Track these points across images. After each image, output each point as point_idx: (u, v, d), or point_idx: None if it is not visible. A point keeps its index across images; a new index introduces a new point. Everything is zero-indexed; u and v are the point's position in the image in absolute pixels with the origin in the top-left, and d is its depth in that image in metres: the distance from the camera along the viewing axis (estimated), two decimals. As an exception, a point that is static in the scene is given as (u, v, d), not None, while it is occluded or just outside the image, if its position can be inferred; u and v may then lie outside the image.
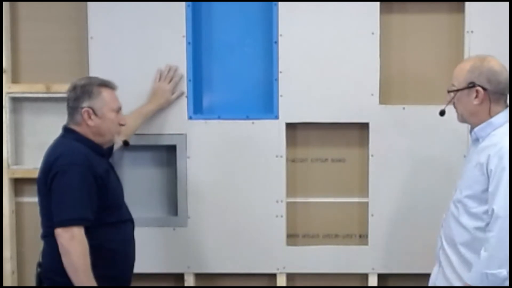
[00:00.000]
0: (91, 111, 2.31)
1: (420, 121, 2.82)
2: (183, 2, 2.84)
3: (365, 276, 2.91)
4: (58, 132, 2.98)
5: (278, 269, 2.91)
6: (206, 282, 2.98)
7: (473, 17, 2.80)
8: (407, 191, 2.85)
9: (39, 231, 3.04)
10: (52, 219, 2.22)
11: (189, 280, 2.93)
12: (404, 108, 2.84)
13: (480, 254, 2.08)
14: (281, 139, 2.86)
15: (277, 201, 2.87)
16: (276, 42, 2.84)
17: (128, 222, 2.42)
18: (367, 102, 2.81)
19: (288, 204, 2.90)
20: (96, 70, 2.86)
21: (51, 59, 2.97)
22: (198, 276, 2.95)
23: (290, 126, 2.88)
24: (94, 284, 2.19)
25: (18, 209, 3.05)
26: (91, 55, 2.87)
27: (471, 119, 2.26)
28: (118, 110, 2.38)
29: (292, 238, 2.94)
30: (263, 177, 2.87)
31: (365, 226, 2.90)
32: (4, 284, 2.98)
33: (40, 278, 2.36)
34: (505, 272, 2.03)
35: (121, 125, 2.40)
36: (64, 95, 2.90)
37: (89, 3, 2.86)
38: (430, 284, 2.39)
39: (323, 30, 2.82)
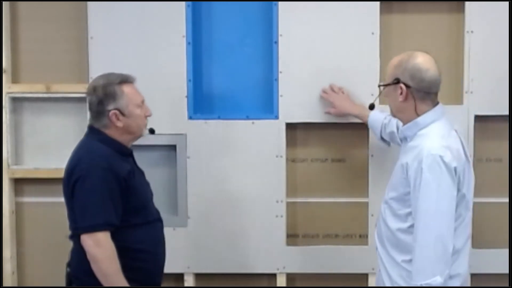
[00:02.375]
0: (118, 113, 2.23)
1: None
2: (183, 2, 2.84)
3: (365, 276, 2.91)
4: (58, 132, 3.02)
5: (278, 269, 2.91)
6: (206, 282, 2.98)
7: (473, 17, 2.80)
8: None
9: (39, 231, 3.06)
10: (75, 222, 2.19)
11: (189, 280, 2.93)
12: (404, 108, 2.84)
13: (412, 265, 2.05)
14: (281, 139, 2.86)
15: (277, 201, 2.87)
16: (276, 42, 2.84)
17: (156, 222, 2.37)
18: (367, 102, 2.80)
19: (288, 204, 2.90)
20: (96, 70, 2.86)
21: (51, 59, 2.97)
22: (198, 276, 2.95)
23: (290, 126, 2.88)
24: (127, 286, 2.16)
25: (18, 209, 3.05)
26: (91, 55, 2.87)
27: (399, 116, 2.21)
28: (142, 103, 2.32)
29: (292, 238, 2.94)
30: (263, 177, 2.87)
31: (365, 226, 2.90)
32: (4, 284, 2.99)
33: (69, 278, 2.33)
34: (439, 278, 1.97)
35: (147, 116, 2.34)
36: (64, 95, 2.95)
37: (89, 3, 2.86)
38: (375, 285, 2.37)
39: (323, 30, 2.82)
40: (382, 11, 2.81)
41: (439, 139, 2.06)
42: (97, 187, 2.14)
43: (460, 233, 2.11)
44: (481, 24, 2.80)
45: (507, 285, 2.82)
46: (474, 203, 2.86)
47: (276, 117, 2.86)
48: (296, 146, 2.93)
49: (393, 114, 2.26)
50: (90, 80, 2.86)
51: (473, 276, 2.88)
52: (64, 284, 3.06)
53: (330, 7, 2.81)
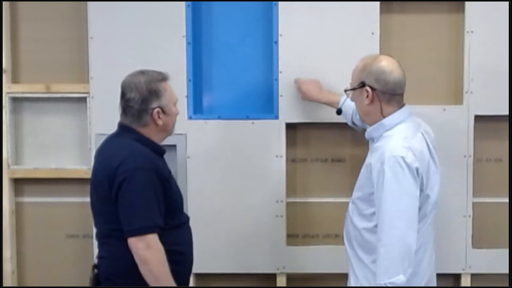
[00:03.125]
0: (160, 111, 2.21)
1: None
2: (183, 2, 2.84)
3: (365, 276, 2.91)
4: (58, 132, 3.02)
5: (278, 269, 2.91)
6: (206, 282, 2.98)
7: (473, 17, 2.80)
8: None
9: (39, 231, 3.06)
10: (112, 222, 2.15)
11: (190, 280, 2.92)
12: (404, 108, 2.84)
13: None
14: (281, 139, 2.86)
15: (277, 201, 2.87)
16: (276, 42, 2.84)
17: (187, 224, 2.36)
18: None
19: (288, 204, 2.90)
20: (96, 70, 2.87)
21: (51, 59, 2.97)
22: (198, 276, 2.94)
23: (290, 126, 2.88)
24: None
25: (18, 209, 3.05)
26: (91, 55, 2.87)
27: (366, 119, 2.23)
28: (177, 101, 2.31)
29: (292, 238, 2.94)
30: (263, 177, 2.87)
31: (365, 226, 2.90)
32: (4, 284, 2.99)
33: (97, 280, 2.27)
34: (402, 277, 1.98)
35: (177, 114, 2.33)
36: (64, 95, 2.95)
37: (89, 3, 2.86)
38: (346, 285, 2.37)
39: (323, 30, 2.82)
40: (382, 11, 2.81)
41: (401, 141, 2.08)
42: (144, 189, 2.10)
43: (424, 234, 2.13)
44: (481, 24, 2.80)
45: (507, 285, 2.82)
46: (474, 203, 2.88)
47: (276, 117, 2.86)
48: (296, 146, 2.94)
49: (361, 118, 2.28)
50: (90, 80, 2.88)
51: (473, 276, 2.88)
52: (64, 284, 3.08)
53: (330, 7, 2.81)
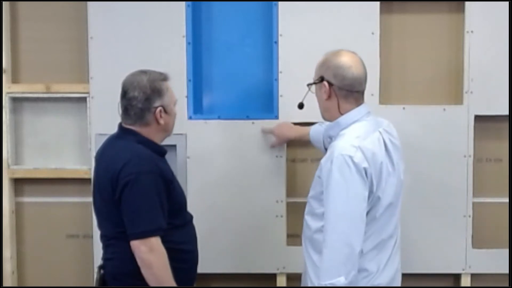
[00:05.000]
0: (162, 110, 2.22)
1: (420, 121, 2.82)
2: (183, 2, 2.84)
3: (365, 276, 2.91)
4: (58, 132, 3.02)
5: (278, 269, 2.91)
6: (206, 282, 2.98)
7: (473, 17, 2.80)
8: (407, 191, 2.84)
9: (39, 231, 3.06)
10: (117, 225, 2.16)
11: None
12: (404, 108, 2.84)
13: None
14: (281, 139, 2.86)
15: (277, 201, 2.87)
16: (276, 42, 2.84)
17: (191, 222, 2.37)
18: (367, 102, 2.79)
19: (288, 204, 2.90)
20: (96, 70, 2.87)
21: (51, 59, 2.97)
22: (198, 276, 2.93)
23: (290, 126, 2.88)
24: None
25: (18, 209, 3.05)
26: (91, 55, 2.87)
27: (325, 116, 2.20)
28: (176, 102, 2.33)
29: (292, 238, 2.94)
30: (263, 177, 2.87)
31: (365, 226, 2.89)
32: (4, 284, 2.99)
33: (103, 280, 2.27)
34: (343, 279, 1.96)
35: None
36: (64, 95, 2.95)
37: (89, 3, 2.86)
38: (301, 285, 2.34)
39: (323, 30, 2.82)
40: (382, 11, 2.81)
41: (352, 140, 2.04)
42: (148, 192, 2.11)
43: (371, 236, 2.08)
44: (481, 24, 2.80)
45: (507, 285, 2.82)
46: (474, 203, 2.88)
47: (276, 117, 2.86)
48: (296, 146, 2.93)
49: (322, 115, 2.24)
50: (90, 80, 2.88)
51: (473, 276, 2.88)
52: (64, 284, 3.07)
53: (330, 7, 2.82)
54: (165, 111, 2.24)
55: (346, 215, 1.98)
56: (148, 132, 2.24)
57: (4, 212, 2.99)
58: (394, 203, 2.13)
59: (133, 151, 2.17)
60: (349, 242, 1.97)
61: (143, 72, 2.26)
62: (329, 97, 2.12)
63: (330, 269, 1.98)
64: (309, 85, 2.21)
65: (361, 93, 2.15)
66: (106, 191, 2.17)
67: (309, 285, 2.15)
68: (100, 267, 2.30)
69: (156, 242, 2.11)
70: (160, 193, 2.15)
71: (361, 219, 2.00)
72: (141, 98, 2.20)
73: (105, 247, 2.28)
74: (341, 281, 1.96)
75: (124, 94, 2.24)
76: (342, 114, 2.12)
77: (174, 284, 2.15)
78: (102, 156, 2.27)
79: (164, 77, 2.26)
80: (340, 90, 2.11)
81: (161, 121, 2.23)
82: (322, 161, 2.08)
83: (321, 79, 2.13)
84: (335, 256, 1.98)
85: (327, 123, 2.26)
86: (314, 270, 2.11)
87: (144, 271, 2.11)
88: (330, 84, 2.11)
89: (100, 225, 2.29)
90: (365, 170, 2.00)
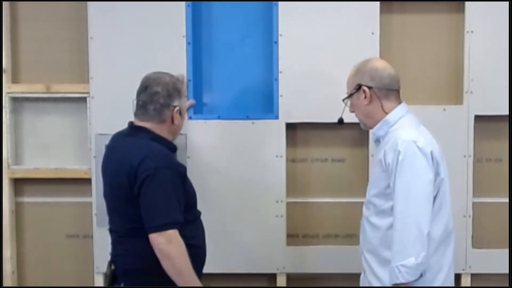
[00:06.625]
0: (179, 110, 2.28)
1: (420, 121, 2.82)
2: (183, 2, 2.84)
3: (365, 276, 2.91)
4: (58, 132, 3.02)
5: (278, 269, 2.91)
6: (206, 282, 2.95)
7: (473, 17, 2.80)
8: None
9: (39, 231, 3.06)
10: (132, 222, 2.18)
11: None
12: (404, 108, 2.84)
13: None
14: (281, 139, 2.86)
15: (277, 201, 2.87)
16: (276, 42, 2.84)
17: (200, 218, 2.40)
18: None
19: (288, 204, 2.90)
20: (96, 70, 2.87)
21: (51, 59, 2.97)
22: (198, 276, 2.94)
23: (290, 126, 2.88)
24: (199, 284, 2.19)
25: (18, 209, 3.05)
26: (91, 55, 2.87)
27: (369, 122, 2.24)
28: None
29: (292, 238, 2.94)
30: (263, 177, 2.87)
31: (365, 226, 2.89)
32: (4, 284, 2.99)
33: (114, 276, 2.30)
34: (413, 259, 2.01)
35: None
36: (64, 95, 2.95)
37: (89, 3, 2.86)
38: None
39: (323, 30, 2.83)
40: (382, 11, 2.81)
41: (410, 129, 2.14)
42: (165, 186, 2.15)
43: (439, 220, 2.13)
44: (481, 24, 2.80)
45: (507, 285, 2.82)
46: (474, 203, 2.88)
47: (276, 117, 2.86)
48: (296, 146, 2.93)
49: (364, 125, 2.28)
50: (90, 80, 2.88)
51: (473, 276, 2.88)
52: (64, 284, 3.08)
53: (330, 7, 2.81)
54: (180, 113, 2.29)
55: (413, 198, 2.04)
56: (161, 130, 2.27)
57: (4, 212, 2.99)
58: (448, 195, 2.19)
59: (149, 147, 2.20)
60: (418, 224, 2.03)
61: (164, 72, 2.32)
62: (370, 101, 2.19)
63: (400, 251, 2.04)
64: (345, 99, 2.26)
65: (399, 91, 2.23)
66: (122, 187, 2.18)
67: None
68: (110, 263, 2.31)
69: (174, 234, 2.13)
70: (177, 188, 2.18)
71: (428, 202, 2.07)
72: (164, 94, 2.24)
73: (116, 243, 2.30)
74: (411, 261, 2.02)
75: (145, 89, 2.27)
76: (386, 113, 2.18)
77: (194, 274, 2.17)
78: (113, 154, 2.29)
79: (182, 81, 2.34)
80: (380, 91, 2.18)
81: (176, 121, 2.28)
82: (382, 154, 2.12)
83: (359, 86, 2.19)
84: (404, 238, 2.04)
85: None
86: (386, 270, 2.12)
87: (164, 263, 2.13)
88: (369, 87, 2.18)
89: (112, 221, 2.31)
90: (431, 153, 2.08)
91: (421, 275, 2.05)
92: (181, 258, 2.14)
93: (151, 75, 2.30)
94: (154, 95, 2.24)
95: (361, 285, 2.31)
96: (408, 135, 2.09)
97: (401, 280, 2.03)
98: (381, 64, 2.23)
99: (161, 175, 2.14)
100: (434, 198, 2.10)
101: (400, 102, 2.22)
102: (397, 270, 2.03)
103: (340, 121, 2.38)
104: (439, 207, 2.13)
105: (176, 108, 2.26)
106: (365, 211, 2.25)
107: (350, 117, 2.81)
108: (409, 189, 2.05)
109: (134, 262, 2.21)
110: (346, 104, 2.28)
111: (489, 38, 2.80)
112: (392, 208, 2.11)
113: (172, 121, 2.27)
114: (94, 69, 2.87)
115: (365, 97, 2.19)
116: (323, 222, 2.96)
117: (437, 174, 2.10)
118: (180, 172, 2.23)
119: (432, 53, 2.88)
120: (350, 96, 2.24)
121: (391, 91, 2.19)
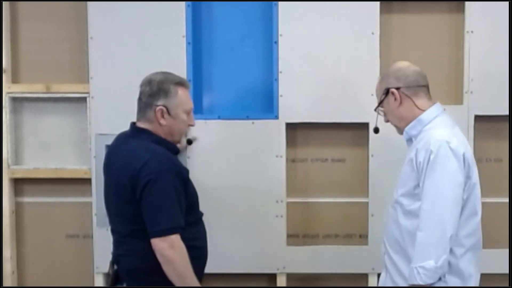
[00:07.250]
0: (165, 110, 2.21)
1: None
2: (183, 2, 2.84)
3: (365, 276, 2.91)
4: (58, 132, 3.02)
5: (278, 269, 2.91)
6: (206, 282, 2.96)
7: (473, 17, 2.80)
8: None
9: (39, 231, 3.06)
10: (134, 223, 2.18)
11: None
12: (404, 108, 2.84)
13: None
14: (281, 139, 2.86)
15: (277, 201, 2.87)
16: (276, 42, 2.84)
17: (201, 219, 2.39)
18: (367, 102, 2.80)
19: (288, 204, 2.90)
20: (96, 70, 2.87)
21: (51, 59, 2.98)
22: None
23: (290, 126, 2.88)
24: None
25: (18, 209, 3.05)
26: (91, 55, 2.87)
27: (402, 125, 2.21)
28: (190, 111, 2.32)
29: (292, 238, 2.94)
30: (263, 177, 2.87)
31: (365, 226, 2.89)
32: (4, 284, 2.99)
33: (116, 276, 2.29)
34: (432, 262, 1.98)
35: (190, 125, 2.35)
36: (64, 95, 2.95)
37: (89, 3, 2.86)
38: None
39: (323, 30, 2.83)
40: (382, 11, 2.81)
41: (444, 129, 2.10)
42: (168, 191, 2.14)
43: (471, 225, 2.09)
44: (481, 24, 2.80)
45: (507, 285, 2.82)
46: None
47: (276, 117, 2.86)
48: (296, 146, 2.93)
49: (399, 127, 2.25)
50: (90, 80, 2.88)
51: (473, 276, 2.88)
52: (64, 284, 3.07)
53: (330, 7, 2.82)
54: (169, 113, 2.23)
55: (441, 199, 2.01)
56: (157, 131, 2.25)
57: (4, 212, 2.99)
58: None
59: (152, 151, 2.19)
60: (442, 225, 1.99)
61: (164, 73, 2.29)
62: (401, 102, 2.17)
63: (422, 252, 2.01)
64: (376, 108, 2.25)
65: (428, 87, 2.20)
66: (124, 189, 2.17)
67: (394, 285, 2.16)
68: (113, 263, 2.31)
69: (176, 239, 2.13)
70: (178, 192, 2.17)
71: (455, 204, 2.03)
72: (147, 93, 2.23)
73: (118, 244, 2.29)
74: (431, 264, 1.99)
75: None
76: (421, 110, 2.16)
77: (195, 279, 2.17)
78: (116, 155, 2.28)
79: (178, 82, 2.27)
80: (409, 89, 2.16)
81: (162, 121, 2.23)
82: (414, 153, 2.09)
83: (387, 90, 2.18)
84: (427, 239, 2.01)
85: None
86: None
87: (166, 268, 2.13)
88: (397, 88, 2.16)
89: (114, 222, 2.30)
90: (463, 155, 2.04)
91: (440, 278, 2.02)
92: (183, 263, 2.14)
93: (146, 76, 2.28)
94: (140, 94, 2.25)
95: (381, 284, 2.29)
96: (442, 135, 2.06)
97: (419, 282, 2.00)
98: (403, 64, 2.23)
99: (163, 179, 2.13)
100: (465, 202, 2.06)
101: (431, 99, 2.19)
102: (416, 271, 2.01)
103: (376, 130, 2.35)
104: (472, 212, 2.09)
105: (159, 107, 2.21)
106: (391, 211, 2.21)
107: (350, 117, 2.84)
108: (437, 190, 2.01)
109: (137, 262, 2.21)
110: (378, 113, 2.25)
111: (489, 38, 2.80)
112: (419, 209, 2.07)
113: (159, 122, 2.23)
114: (94, 69, 2.87)
115: (395, 99, 2.16)
116: (323, 222, 2.96)
117: (468, 177, 2.06)
118: (182, 175, 2.21)
119: (432, 53, 2.88)
120: (380, 103, 2.21)
121: (420, 87, 2.17)
